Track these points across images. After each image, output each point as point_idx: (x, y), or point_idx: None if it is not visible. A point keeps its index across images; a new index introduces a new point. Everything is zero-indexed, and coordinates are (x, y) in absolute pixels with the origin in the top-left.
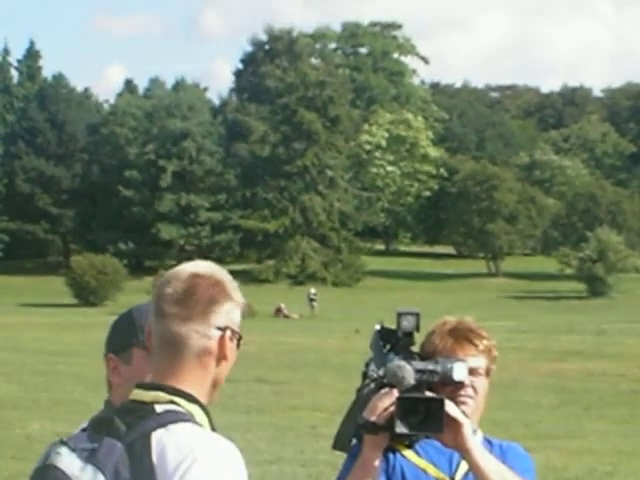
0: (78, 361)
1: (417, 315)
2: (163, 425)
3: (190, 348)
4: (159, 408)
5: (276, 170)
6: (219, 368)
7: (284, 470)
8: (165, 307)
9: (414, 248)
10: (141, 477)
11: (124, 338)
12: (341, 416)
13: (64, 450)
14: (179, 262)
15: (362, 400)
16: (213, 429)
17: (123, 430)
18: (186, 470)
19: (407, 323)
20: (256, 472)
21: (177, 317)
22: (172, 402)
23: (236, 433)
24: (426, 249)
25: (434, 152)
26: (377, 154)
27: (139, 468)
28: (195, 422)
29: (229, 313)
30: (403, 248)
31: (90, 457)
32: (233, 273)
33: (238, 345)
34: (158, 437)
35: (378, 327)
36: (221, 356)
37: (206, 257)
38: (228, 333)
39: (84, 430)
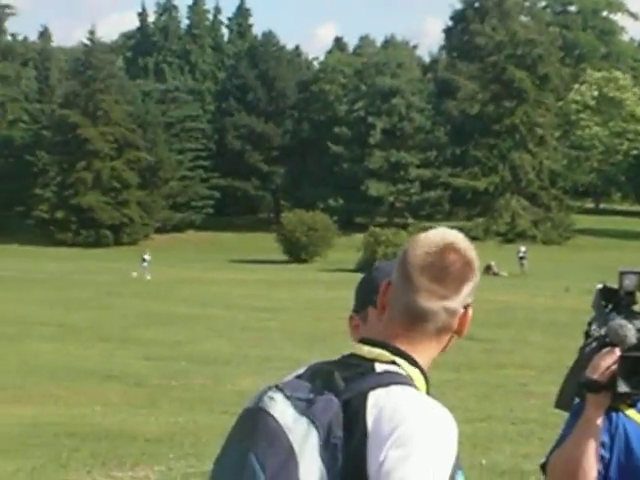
0: (288, 317)
1: (639, 274)
2: (382, 385)
3: (435, 324)
4: (379, 367)
5: (485, 128)
6: (450, 342)
7: (495, 428)
8: (419, 280)
9: (624, 207)
10: (353, 438)
11: (364, 297)
12: (550, 374)
13: (279, 397)
14: (389, 219)
15: (585, 359)
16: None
17: (341, 386)
18: (399, 440)
19: (629, 282)
20: (467, 429)
21: (432, 293)
22: (393, 363)
23: (447, 390)
24: (636, 208)
25: None
26: (584, 115)
27: (352, 428)
28: (414, 387)
29: (472, 291)
30: (613, 207)
31: (306, 409)
32: None
33: None
34: (375, 398)
35: (600, 286)
36: (458, 331)
37: (415, 214)
38: (470, 311)
39: (298, 377)
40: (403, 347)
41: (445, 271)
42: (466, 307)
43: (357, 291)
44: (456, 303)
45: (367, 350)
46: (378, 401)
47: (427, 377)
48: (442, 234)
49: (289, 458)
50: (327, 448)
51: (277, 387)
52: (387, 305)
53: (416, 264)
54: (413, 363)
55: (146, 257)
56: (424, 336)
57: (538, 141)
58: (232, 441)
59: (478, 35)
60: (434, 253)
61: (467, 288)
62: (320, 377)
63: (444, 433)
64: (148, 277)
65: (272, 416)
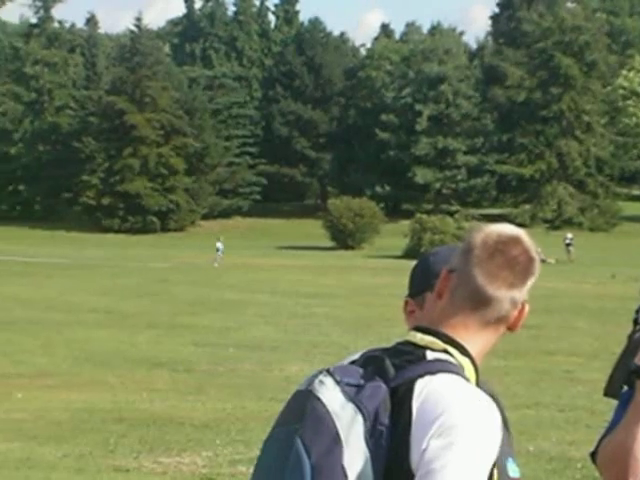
0: (335, 304)
1: None
2: (430, 373)
3: (498, 312)
4: (430, 355)
5: (532, 115)
6: (502, 335)
7: (542, 414)
8: (489, 265)
9: None
10: (398, 425)
11: (420, 282)
12: (597, 361)
13: (329, 381)
14: (435, 206)
15: (633, 346)
16: (478, 386)
17: (391, 373)
18: (441, 429)
19: None
20: (514, 416)
21: (502, 280)
22: (445, 351)
23: (494, 377)
24: None
25: None
26: (630, 102)
27: (398, 416)
28: (463, 376)
29: (529, 287)
30: None
31: (354, 395)
32: (489, 217)
33: None
34: (422, 385)
35: None
36: (512, 326)
37: (462, 201)
38: (526, 307)
39: (352, 363)
40: (457, 335)
41: (515, 260)
42: (523, 302)
43: (413, 276)
44: (521, 294)
45: (419, 337)
46: (424, 389)
47: (477, 367)
48: (508, 227)
49: (335, 444)
50: (373, 435)
51: (328, 371)
52: (446, 292)
53: (486, 250)
54: (464, 352)
55: (218, 245)
56: (482, 323)
57: (585, 128)
58: (280, 423)
59: (525, 22)
60: (504, 242)
61: (530, 282)
62: (372, 363)
63: (487, 424)
64: (215, 264)
65: (320, 400)
